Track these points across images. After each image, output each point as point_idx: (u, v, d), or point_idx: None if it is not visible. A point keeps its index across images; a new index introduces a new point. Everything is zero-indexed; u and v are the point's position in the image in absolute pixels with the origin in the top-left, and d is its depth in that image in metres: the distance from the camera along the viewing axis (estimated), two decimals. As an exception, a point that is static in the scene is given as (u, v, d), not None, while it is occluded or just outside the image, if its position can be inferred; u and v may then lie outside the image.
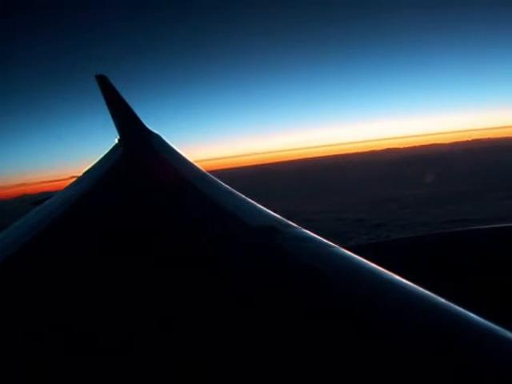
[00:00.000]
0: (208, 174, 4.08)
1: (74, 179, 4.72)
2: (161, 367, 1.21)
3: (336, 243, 2.08)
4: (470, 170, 73.49)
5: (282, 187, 75.63)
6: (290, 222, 2.39)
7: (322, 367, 1.16)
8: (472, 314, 1.34)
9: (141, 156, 5.09)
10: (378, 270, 1.70)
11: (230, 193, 3.32)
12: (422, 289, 1.51)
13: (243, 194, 3.24)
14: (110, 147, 5.61)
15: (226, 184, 3.63)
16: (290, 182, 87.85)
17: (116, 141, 5.74)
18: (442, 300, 1.42)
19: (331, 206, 52.14)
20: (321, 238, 2.14)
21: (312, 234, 2.20)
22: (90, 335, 1.42)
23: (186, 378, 1.19)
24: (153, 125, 6.00)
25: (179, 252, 2.09)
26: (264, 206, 2.85)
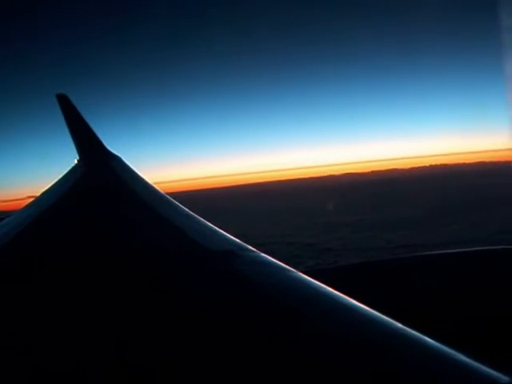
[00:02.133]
0: (167, 196, 4.10)
1: (30, 199, 4.65)
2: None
3: (294, 268, 2.09)
4: (424, 196, 75.37)
5: (237, 210, 76.06)
6: (249, 246, 2.41)
7: None
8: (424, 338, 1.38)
9: (100, 178, 5.07)
10: (334, 294, 1.73)
11: (189, 216, 3.32)
12: (375, 312, 1.54)
13: (201, 216, 3.26)
14: (69, 167, 5.50)
15: (185, 206, 3.65)
16: (245, 205, 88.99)
17: (75, 161, 5.64)
18: (396, 323, 1.46)
19: (284, 230, 52.49)
20: (279, 262, 2.15)
21: (270, 258, 2.21)
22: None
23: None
24: (113, 145, 5.93)
25: (135, 276, 2.08)
26: (222, 229, 2.87)
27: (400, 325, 1.44)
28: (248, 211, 74.48)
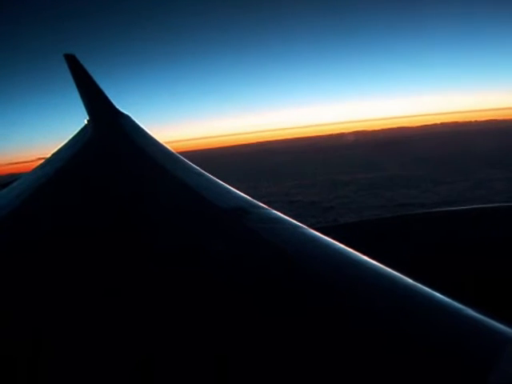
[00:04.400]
0: (178, 155, 4.10)
1: (40, 161, 4.65)
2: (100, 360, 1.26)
3: (305, 224, 2.09)
4: (430, 154, 74.44)
5: (241, 169, 75.55)
6: (260, 203, 2.41)
7: (294, 354, 1.18)
8: (439, 295, 1.37)
9: (110, 138, 5.04)
10: (347, 250, 1.72)
11: (200, 174, 3.31)
12: (389, 269, 1.54)
13: (211, 174, 3.25)
14: (79, 128, 5.42)
15: (196, 165, 3.63)
16: (250, 165, 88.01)
17: (85, 122, 5.54)
18: (410, 281, 1.44)
19: (287, 189, 52.31)
20: (290, 219, 2.15)
21: (281, 215, 2.21)
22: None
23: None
24: (123, 105, 5.81)
25: (148, 234, 2.11)
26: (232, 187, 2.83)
27: (409, 280, 1.45)
28: (252, 170, 74.11)
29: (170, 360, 1.22)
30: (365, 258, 1.65)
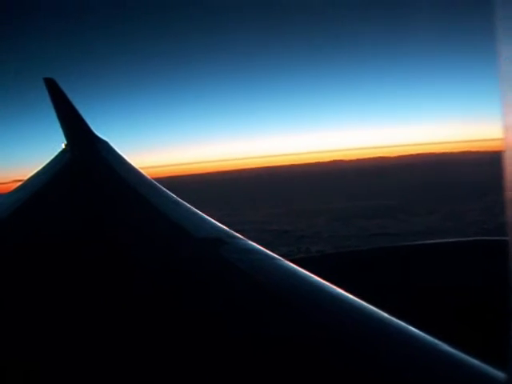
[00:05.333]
0: (155, 182, 4.08)
1: (17, 183, 4.62)
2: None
3: (281, 256, 2.10)
4: (406, 184, 75.74)
5: (218, 197, 75.80)
6: (236, 234, 2.41)
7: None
8: (400, 323, 1.38)
9: (87, 163, 5.05)
10: (319, 282, 1.73)
11: (177, 202, 3.28)
12: (358, 300, 1.55)
13: (187, 201, 3.27)
14: (56, 152, 5.47)
15: (172, 193, 3.60)
16: (226, 193, 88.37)
17: (63, 146, 5.59)
18: (378, 311, 1.46)
19: (262, 217, 52.62)
20: (266, 251, 2.15)
21: (258, 246, 2.21)
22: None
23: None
24: (101, 131, 5.91)
25: (121, 261, 2.09)
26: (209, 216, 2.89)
27: (385, 314, 1.44)
28: (227, 198, 74.33)
29: None
30: (340, 291, 1.64)
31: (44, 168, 4.91)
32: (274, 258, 2.06)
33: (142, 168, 4.70)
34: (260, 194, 79.29)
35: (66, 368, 1.30)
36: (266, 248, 2.18)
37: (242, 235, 2.39)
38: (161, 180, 4.54)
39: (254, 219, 50.63)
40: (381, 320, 1.42)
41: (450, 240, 3.98)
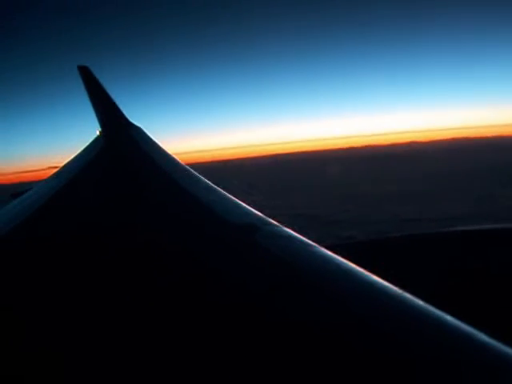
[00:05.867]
0: (188, 168, 4.07)
1: (52, 170, 4.73)
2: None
3: (319, 242, 2.05)
4: (440, 170, 74.38)
5: (249, 182, 75.88)
6: (271, 220, 2.34)
7: (294, 367, 1.18)
8: (447, 317, 1.33)
9: (122, 149, 5.14)
10: (357, 269, 1.69)
11: (210, 188, 3.26)
12: (398, 289, 1.51)
13: (221, 188, 3.22)
14: (90, 139, 5.59)
15: (208, 179, 3.58)
16: (257, 178, 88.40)
17: (97, 132, 5.74)
18: (422, 303, 1.41)
19: (292, 202, 52.51)
20: (301, 237, 2.09)
21: (292, 233, 2.15)
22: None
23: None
24: (134, 117, 6.01)
25: (156, 247, 2.12)
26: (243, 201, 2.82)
27: (419, 301, 1.41)
28: (259, 182, 74.32)
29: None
30: (379, 279, 1.61)
31: (79, 155, 5.01)
32: (310, 244, 2.03)
33: (174, 153, 4.72)
34: (290, 180, 79.50)
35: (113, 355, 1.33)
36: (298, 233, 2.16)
37: (275, 221, 2.36)
38: (193, 165, 4.60)
39: (284, 204, 50.59)
40: (426, 312, 1.37)
41: (491, 226, 3.93)
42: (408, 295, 1.46)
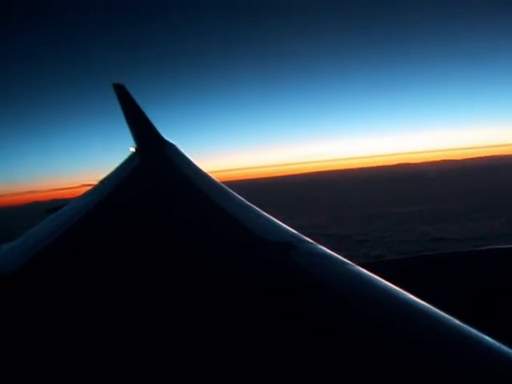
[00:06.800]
0: (223, 185, 4.11)
1: (85, 188, 4.77)
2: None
3: (351, 260, 2.07)
4: (470, 188, 72.89)
5: (279, 201, 75.75)
6: (306, 238, 2.39)
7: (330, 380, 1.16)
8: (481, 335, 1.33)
9: (156, 166, 5.17)
10: (390, 287, 1.70)
11: (245, 206, 3.31)
12: (432, 307, 1.51)
13: (256, 206, 3.25)
14: (124, 156, 5.66)
15: (241, 196, 3.62)
16: (287, 197, 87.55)
17: (132, 149, 5.83)
18: (454, 320, 1.42)
19: (322, 221, 52.49)
20: (336, 255, 2.13)
21: (327, 250, 2.19)
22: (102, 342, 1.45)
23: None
24: (168, 134, 5.98)
25: (193, 264, 2.11)
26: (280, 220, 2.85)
27: (458, 322, 1.39)
28: (287, 202, 74.11)
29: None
30: (414, 297, 1.59)
31: (114, 172, 5.06)
32: (345, 262, 2.01)
33: (208, 171, 4.76)
34: (319, 199, 79.43)
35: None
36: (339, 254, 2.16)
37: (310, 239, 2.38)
38: (227, 183, 4.62)
39: (313, 223, 50.29)
40: (459, 329, 1.36)
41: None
42: (442, 313, 1.45)
